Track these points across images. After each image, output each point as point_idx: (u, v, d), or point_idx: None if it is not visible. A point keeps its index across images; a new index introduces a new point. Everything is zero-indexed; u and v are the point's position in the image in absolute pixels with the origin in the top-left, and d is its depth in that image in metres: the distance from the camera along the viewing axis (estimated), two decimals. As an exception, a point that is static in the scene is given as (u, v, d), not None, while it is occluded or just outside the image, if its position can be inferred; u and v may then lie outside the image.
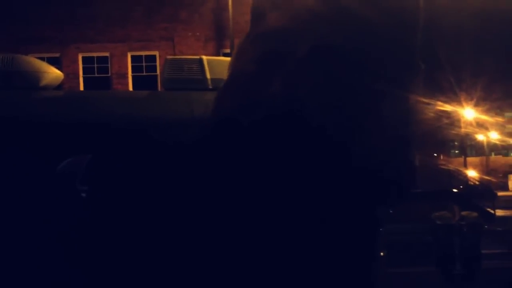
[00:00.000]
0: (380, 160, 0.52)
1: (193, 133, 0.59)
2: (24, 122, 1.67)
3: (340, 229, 0.54)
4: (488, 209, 11.07)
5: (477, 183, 17.88)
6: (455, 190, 11.77)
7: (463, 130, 20.22)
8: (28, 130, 1.64)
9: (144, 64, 14.02)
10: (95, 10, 13.57)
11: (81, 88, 13.74)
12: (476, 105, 18.66)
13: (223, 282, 0.52)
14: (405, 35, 0.56)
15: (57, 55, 13.59)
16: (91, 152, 1.63)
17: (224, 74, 0.61)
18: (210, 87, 1.87)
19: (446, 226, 5.96)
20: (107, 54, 13.93)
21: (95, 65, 14.12)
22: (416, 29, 0.57)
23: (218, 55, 13.02)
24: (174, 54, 12.88)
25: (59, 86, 2.05)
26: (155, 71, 13.62)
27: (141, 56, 13.98)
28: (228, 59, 0.64)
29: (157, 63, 13.70)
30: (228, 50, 12.83)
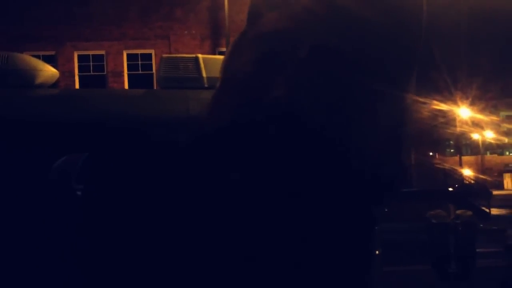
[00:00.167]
0: (374, 160, 0.52)
1: (189, 132, 0.59)
2: (19, 121, 1.66)
3: (336, 229, 0.54)
4: (483, 208, 11.11)
5: (472, 182, 17.96)
6: (450, 189, 11.82)
7: (458, 129, 20.28)
8: (23, 129, 1.64)
9: (140, 62, 13.99)
10: (91, 8, 13.54)
11: (77, 86, 13.70)
12: (472, 104, 18.73)
13: (218, 281, 0.52)
14: (404, 35, 0.56)
15: (53, 53, 13.54)
16: (86, 150, 1.63)
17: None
18: (206, 85, 1.87)
19: (441, 225, 5.98)
20: (102, 52, 13.90)
21: (91, 63, 14.09)
22: (416, 28, 0.57)
23: (214, 53, 13.01)
24: (170, 53, 12.86)
25: (55, 84, 2.05)
26: (151, 69, 13.60)
27: (137, 54, 13.95)
28: None
29: (153, 62, 13.68)
30: (224, 49, 12.81)
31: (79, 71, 14.07)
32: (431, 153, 22.51)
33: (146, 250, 0.53)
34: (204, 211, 0.53)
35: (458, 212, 6.23)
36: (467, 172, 20.84)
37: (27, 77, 1.84)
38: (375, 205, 0.54)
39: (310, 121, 0.51)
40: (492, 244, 7.16)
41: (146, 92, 2.30)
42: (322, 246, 0.53)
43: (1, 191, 1.51)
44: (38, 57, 2.28)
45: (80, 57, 14.05)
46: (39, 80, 1.87)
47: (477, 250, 6.28)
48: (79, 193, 1.47)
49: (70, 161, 1.62)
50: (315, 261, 0.53)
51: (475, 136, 25.44)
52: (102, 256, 0.56)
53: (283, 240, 0.52)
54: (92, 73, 14.05)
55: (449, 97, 16.90)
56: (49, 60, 11.09)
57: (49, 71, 1.92)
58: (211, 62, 1.95)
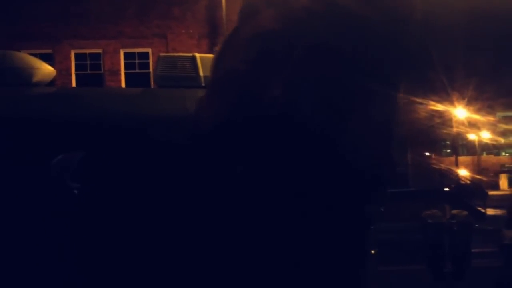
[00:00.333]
0: (368, 159, 0.53)
1: (185, 131, 0.59)
2: (16, 119, 1.66)
3: (330, 228, 0.54)
4: (479, 208, 11.14)
5: (468, 182, 18.00)
6: (446, 189, 11.84)
7: (455, 129, 20.32)
8: (20, 127, 1.64)
9: (137, 61, 13.97)
10: (88, 6, 13.50)
11: (74, 84, 13.66)
12: (468, 104, 18.76)
13: (217, 278, 0.52)
14: (399, 34, 0.56)
15: (50, 51, 13.51)
16: (83, 148, 1.63)
17: None
18: (203, 84, 1.87)
19: (437, 225, 6.00)
20: (99, 50, 13.87)
21: (88, 62, 14.05)
22: (411, 28, 0.57)
23: (211, 52, 12.99)
24: (167, 51, 12.84)
25: (52, 83, 2.04)
26: (148, 68, 13.58)
27: (134, 53, 13.92)
28: None
29: (150, 60, 13.66)
30: (221, 48, 12.77)
31: (76, 70, 14.03)
32: (427, 153, 22.52)
33: (144, 249, 0.53)
34: (200, 210, 0.53)
35: (454, 212, 6.25)
36: (463, 173, 20.88)
37: (24, 75, 1.84)
38: (367, 203, 0.54)
39: (307, 121, 0.51)
40: (488, 244, 7.18)
41: (143, 91, 2.29)
42: (317, 243, 0.53)
43: (-3, 189, 1.51)
44: (35, 55, 2.27)
45: (77, 56, 14.01)
46: (36, 78, 1.87)
47: (473, 250, 6.29)
48: (75, 191, 1.47)
49: (67, 160, 1.62)
50: (311, 259, 0.53)
51: (472, 136, 25.48)
52: (99, 254, 0.56)
53: (279, 238, 0.52)
54: (89, 71, 14.01)
55: (445, 98, 16.92)
56: (46, 58, 11.04)
57: (46, 69, 1.92)
58: (208, 61, 1.95)
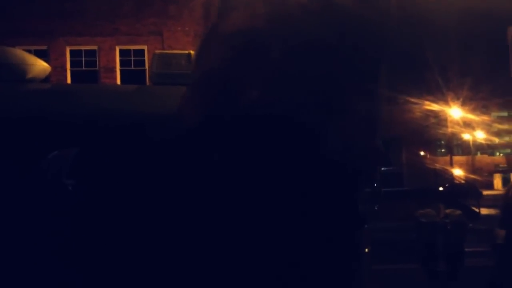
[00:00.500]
0: (350, 151, 0.53)
1: (165, 129, 0.59)
2: (10, 115, 1.65)
3: (317, 222, 0.54)
4: (473, 208, 11.18)
5: (462, 182, 18.06)
6: (441, 189, 11.88)
7: (449, 129, 20.38)
8: (14, 123, 1.63)
9: (132, 58, 13.93)
10: (83, 3, 13.45)
11: (69, 81, 13.61)
12: (463, 104, 18.81)
13: (201, 275, 0.52)
14: (380, 28, 0.56)
15: (45, 47, 13.46)
16: (77, 145, 1.62)
17: None
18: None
19: (430, 224, 6.02)
20: (95, 47, 13.83)
21: (83, 59, 14.01)
22: (390, 22, 0.57)
23: (207, 50, 12.93)
24: (163, 49, 12.82)
25: (46, 79, 2.04)
26: (144, 65, 13.55)
27: (129, 50, 13.89)
28: None
29: (146, 58, 13.63)
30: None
31: (71, 66, 13.99)
32: (422, 153, 22.59)
33: (137, 245, 0.52)
34: (188, 207, 0.53)
35: (447, 211, 6.27)
36: (458, 172, 20.93)
37: (18, 71, 1.83)
38: (355, 193, 0.54)
39: (287, 119, 0.51)
40: (482, 243, 7.21)
41: (138, 88, 2.29)
42: (304, 236, 0.53)
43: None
44: (30, 51, 2.27)
45: (72, 52, 13.96)
46: (30, 74, 1.86)
47: (467, 249, 6.31)
48: (69, 188, 1.46)
49: (61, 156, 1.61)
50: (298, 252, 0.53)
51: (466, 136, 25.54)
52: (96, 253, 0.56)
53: (266, 234, 0.52)
54: (84, 68, 13.97)
55: (440, 98, 16.97)
56: (41, 54, 10.99)
57: (40, 66, 1.91)
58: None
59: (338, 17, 0.53)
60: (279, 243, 0.52)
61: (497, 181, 30.15)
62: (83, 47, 13.86)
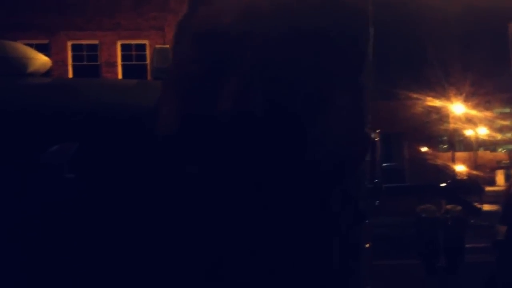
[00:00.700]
0: (340, 140, 0.52)
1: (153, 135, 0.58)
2: (10, 108, 1.65)
3: (303, 216, 0.53)
4: (475, 204, 11.17)
5: (464, 177, 18.04)
6: (442, 185, 11.87)
7: (452, 125, 20.34)
8: (14, 117, 1.63)
9: (133, 53, 13.92)
10: (85, -3, 13.45)
11: (70, 75, 13.61)
12: (466, 100, 18.76)
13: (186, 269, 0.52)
14: (360, 24, 0.55)
15: (46, 42, 13.45)
16: (78, 139, 1.62)
17: None
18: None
19: (430, 219, 6.02)
20: (96, 42, 13.81)
21: (85, 53, 14.00)
22: (368, 19, 0.57)
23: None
24: (164, 44, 12.79)
25: (47, 73, 2.03)
26: (145, 60, 13.53)
27: (130, 45, 13.87)
28: None
29: (147, 52, 13.61)
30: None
31: (72, 61, 13.98)
32: (424, 149, 22.53)
33: (137, 238, 0.52)
34: (187, 202, 0.52)
35: (448, 206, 6.27)
36: (460, 168, 20.90)
37: (19, 65, 1.83)
38: (337, 184, 0.54)
39: (260, 127, 0.50)
40: (483, 239, 7.20)
41: (139, 82, 2.28)
42: (289, 231, 0.52)
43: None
44: (31, 45, 2.26)
45: (73, 47, 13.95)
46: (31, 68, 1.86)
47: (468, 245, 6.31)
48: (70, 182, 1.46)
49: (62, 150, 1.61)
50: (279, 250, 0.52)
51: (469, 132, 25.50)
52: (96, 245, 0.56)
53: (246, 230, 0.51)
54: (85, 62, 13.96)
55: (442, 94, 16.93)
56: (42, 49, 10.99)
57: (41, 60, 1.91)
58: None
59: (315, 6, 0.52)
60: (255, 234, 0.51)
61: (499, 177, 30.11)
62: (84, 42, 13.85)
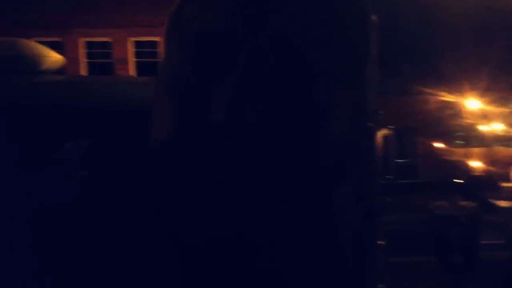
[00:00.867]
0: (337, 143, 0.50)
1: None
2: (24, 105, 1.66)
3: (303, 212, 0.52)
4: (490, 200, 11.06)
5: (479, 174, 17.88)
6: (457, 181, 11.76)
7: (466, 120, 20.14)
8: (28, 114, 1.64)
9: (146, 50, 13.97)
10: (98, -5, 13.51)
11: (84, 73, 13.70)
12: (481, 95, 18.57)
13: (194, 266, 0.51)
14: (362, 27, 0.53)
15: (60, 39, 13.54)
16: (90, 136, 1.63)
17: None
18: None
19: (445, 216, 5.97)
20: (109, 39, 13.89)
21: (97, 50, 14.08)
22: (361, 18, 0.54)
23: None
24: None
25: (61, 71, 2.05)
26: (157, 57, 13.58)
27: (143, 42, 13.92)
28: None
29: (159, 49, 13.65)
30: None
31: (85, 58, 14.07)
32: (438, 145, 22.32)
33: (146, 238, 0.52)
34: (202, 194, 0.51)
35: (463, 203, 6.21)
36: (475, 164, 20.71)
37: (33, 62, 1.84)
38: (339, 181, 0.52)
39: (257, 138, 0.48)
40: (498, 236, 7.13)
41: (152, 79, 2.29)
42: (292, 230, 0.51)
43: (4, 176, 1.52)
44: (45, 43, 2.28)
45: (86, 44, 14.05)
46: (44, 66, 1.87)
47: (483, 242, 6.25)
48: (82, 179, 1.47)
49: (74, 147, 1.62)
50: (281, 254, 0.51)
51: (484, 128, 25.24)
52: (105, 242, 0.56)
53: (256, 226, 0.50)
54: (98, 60, 14.05)
55: (457, 89, 16.77)
56: (56, 46, 11.07)
57: (54, 57, 1.92)
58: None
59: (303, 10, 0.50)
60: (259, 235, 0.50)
61: (515, 173, 29.77)
62: (97, 39, 13.93)
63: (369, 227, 2.02)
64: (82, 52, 13.99)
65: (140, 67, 13.78)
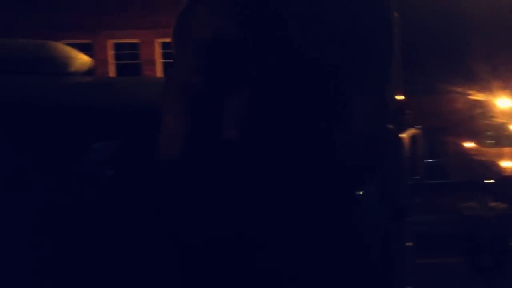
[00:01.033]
0: (356, 144, 0.48)
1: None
2: (53, 106, 1.69)
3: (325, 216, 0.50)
4: (522, 201, 10.79)
5: (511, 174, 17.46)
6: (488, 181, 11.52)
7: (497, 120, 19.71)
8: (57, 115, 1.67)
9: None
10: (126, -3, 13.68)
11: (112, 74, 13.89)
12: (512, 94, 18.14)
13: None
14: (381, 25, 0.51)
15: (89, 41, 13.76)
16: (118, 137, 1.65)
17: None
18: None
19: (475, 217, 5.86)
20: (137, 41, 14.04)
21: (126, 52, 14.26)
22: (384, 26, 0.51)
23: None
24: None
25: (90, 72, 2.08)
26: (185, 58, 13.65)
27: (169, 43, 14.03)
28: None
29: (187, 50, 13.72)
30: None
31: (114, 59, 14.26)
32: (468, 144, 21.90)
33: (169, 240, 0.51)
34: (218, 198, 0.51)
35: (493, 204, 6.09)
36: (506, 164, 20.24)
37: (62, 64, 1.87)
38: (357, 188, 0.50)
39: (271, 151, 0.45)
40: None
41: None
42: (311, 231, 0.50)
43: (31, 176, 1.54)
44: (75, 45, 2.31)
45: (115, 46, 14.23)
46: (73, 67, 1.90)
47: (513, 243, 6.12)
48: (111, 179, 1.49)
49: (103, 148, 1.64)
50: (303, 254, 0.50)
51: (515, 127, 24.64)
52: (133, 242, 0.56)
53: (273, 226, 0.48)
54: (126, 61, 14.22)
55: (487, 87, 16.42)
56: (85, 48, 11.25)
57: (82, 59, 1.95)
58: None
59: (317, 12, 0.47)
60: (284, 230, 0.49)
61: (548, 174, 29.05)
62: (125, 41, 14.10)
63: (398, 228, 1.99)
64: (110, 53, 14.19)
65: (167, 68, 13.89)
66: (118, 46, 14.29)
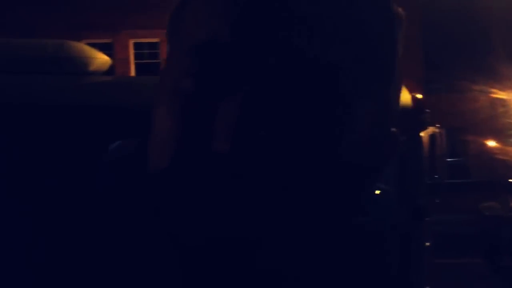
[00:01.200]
0: (365, 142, 0.47)
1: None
2: (73, 106, 1.71)
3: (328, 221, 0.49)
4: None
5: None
6: (509, 181, 11.35)
7: (520, 118, 19.39)
8: (76, 114, 1.69)
9: (193, 50, 14.13)
10: (145, -4, 13.78)
11: (133, 73, 14.01)
12: (535, 92, 17.82)
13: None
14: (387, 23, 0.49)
15: (110, 41, 13.90)
16: (139, 136, 1.66)
17: None
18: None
19: (495, 217, 5.78)
20: (157, 40, 14.14)
21: (146, 51, 14.36)
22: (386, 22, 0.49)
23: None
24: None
25: (110, 72, 2.10)
26: (204, 57, 13.70)
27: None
28: None
29: (206, 49, 13.77)
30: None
31: (134, 59, 14.39)
32: (490, 143, 21.59)
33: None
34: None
35: (513, 204, 5.99)
36: (529, 164, 19.88)
37: (81, 64, 1.90)
38: (360, 191, 0.49)
39: (266, 162, 0.43)
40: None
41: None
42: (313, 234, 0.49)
43: (51, 176, 1.56)
44: (95, 45, 2.34)
45: (135, 45, 14.36)
46: (92, 67, 1.92)
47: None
48: (133, 177, 1.50)
49: (123, 146, 1.65)
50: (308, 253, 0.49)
51: (539, 126, 24.21)
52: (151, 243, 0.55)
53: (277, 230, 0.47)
54: (147, 60, 14.33)
55: (509, 85, 16.16)
56: (106, 48, 11.38)
57: (101, 59, 1.97)
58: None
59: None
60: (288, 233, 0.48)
61: None
62: (145, 40, 14.21)
63: (417, 227, 1.97)
64: (131, 53, 14.32)
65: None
66: (138, 46, 14.41)
